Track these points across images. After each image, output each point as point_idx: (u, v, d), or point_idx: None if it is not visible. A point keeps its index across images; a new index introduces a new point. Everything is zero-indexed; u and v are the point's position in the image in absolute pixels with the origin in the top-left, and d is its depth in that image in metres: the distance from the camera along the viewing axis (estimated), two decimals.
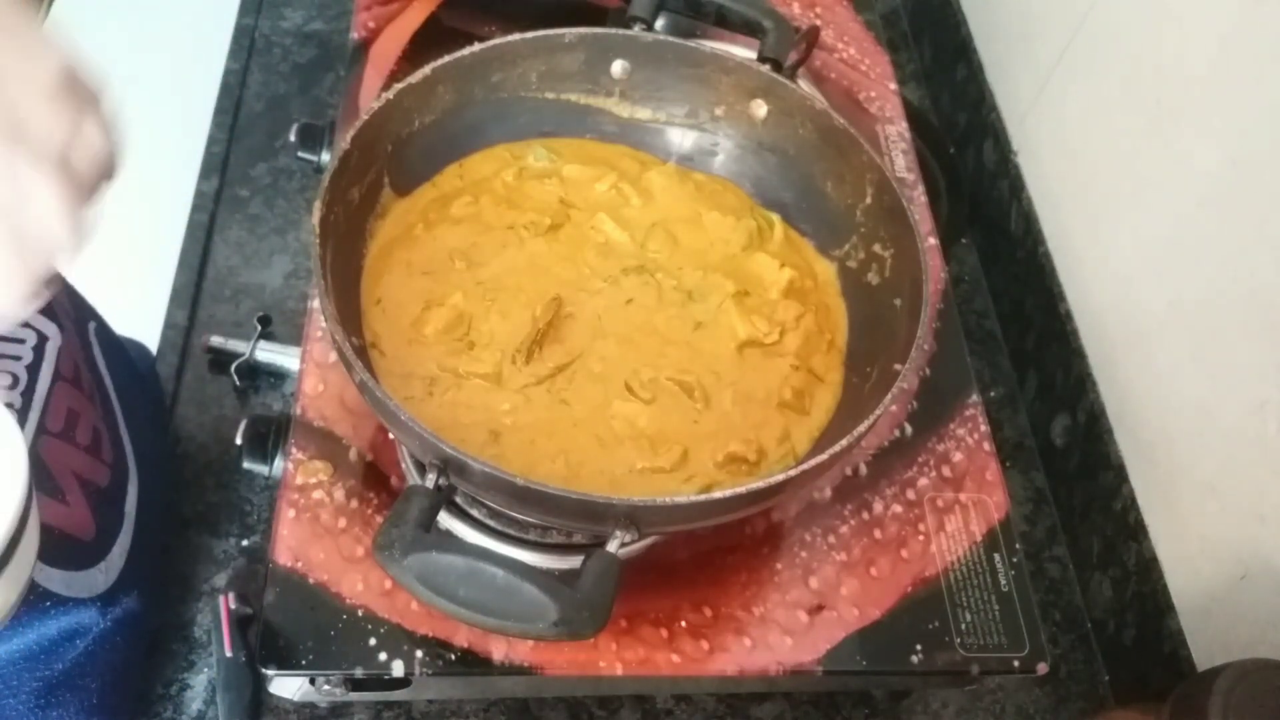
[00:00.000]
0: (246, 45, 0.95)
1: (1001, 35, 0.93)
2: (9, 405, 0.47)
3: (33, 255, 0.35)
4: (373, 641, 0.53)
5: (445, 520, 0.56)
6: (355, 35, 0.78)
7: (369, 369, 0.51)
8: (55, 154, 0.35)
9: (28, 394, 0.49)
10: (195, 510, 0.69)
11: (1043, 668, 0.57)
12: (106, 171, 0.38)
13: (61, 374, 0.52)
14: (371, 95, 0.74)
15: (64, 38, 0.37)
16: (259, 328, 0.75)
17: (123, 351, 0.66)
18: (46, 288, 0.36)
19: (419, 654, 0.53)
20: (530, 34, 0.61)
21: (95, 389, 0.57)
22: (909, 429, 0.65)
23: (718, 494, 0.46)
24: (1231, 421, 0.63)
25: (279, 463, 0.59)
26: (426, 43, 0.79)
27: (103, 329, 0.62)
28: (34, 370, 0.51)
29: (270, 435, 0.60)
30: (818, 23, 0.84)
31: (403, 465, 0.59)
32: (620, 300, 0.60)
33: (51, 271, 0.36)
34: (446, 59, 0.59)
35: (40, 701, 0.51)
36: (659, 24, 0.68)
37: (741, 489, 0.46)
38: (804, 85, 0.70)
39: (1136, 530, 0.69)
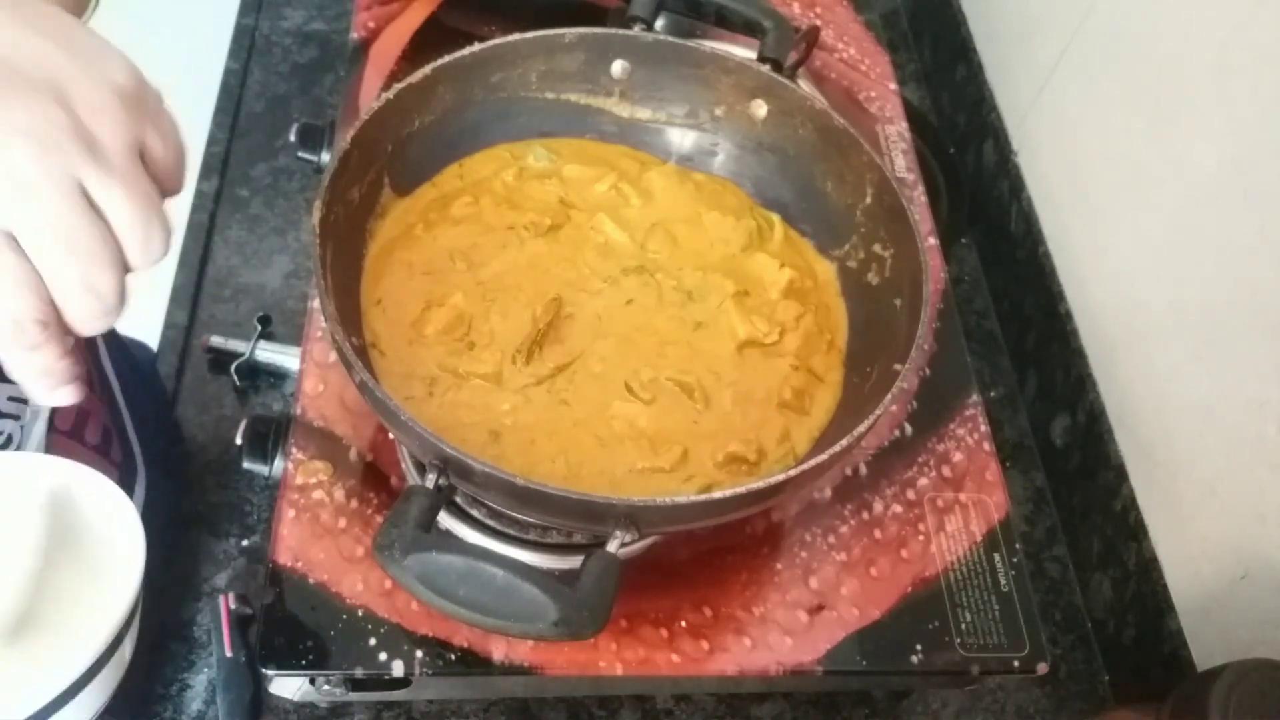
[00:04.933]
0: (246, 45, 0.94)
1: (1001, 35, 0.93)
2: (13, 399, 0.47)
3: (109, 267, 0.34)
4: (373, 641, 0.53)
5: (445, 520, 0.56)
6: (355, 35, 0.78)
7: (369, 369, 0.51)
8: (124, 164, 0.34)
9: None
10: (195, 510, 0.69)
11: (1043, 668, 0.57)
12: (172, 182, 0.37)
13: None
14: (371, 95, 0.74)
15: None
16: (259, 328, 0.75)
17: (127, 352, 0.66)
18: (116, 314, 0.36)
19: (419, 654, 0.53)
20: (530, 34, 0.61)
21: (103, 389, 0.57)
22: (909, 429, 0.65)
23: (718, 494, 0.46)
24: (1231, 421, 0.63)
25: (279, 463, 0.59)
26: (426, 43, 0.78)
27: (108, 330, 0.62)
28: None
29: (270, 435, 0.60)
30: (818, 23, 0.84)
31: (403, 465, 0.59)
32: (620, 300, 0.60)
33: (124, 283, 0.36)
34: (446, 59, 0.59)
35: None
36: (659, 24, 0.68)
37: (741, 489, 0.46)
38: (804, 85, 0.70)
39: (1136, 530, 0.69)
